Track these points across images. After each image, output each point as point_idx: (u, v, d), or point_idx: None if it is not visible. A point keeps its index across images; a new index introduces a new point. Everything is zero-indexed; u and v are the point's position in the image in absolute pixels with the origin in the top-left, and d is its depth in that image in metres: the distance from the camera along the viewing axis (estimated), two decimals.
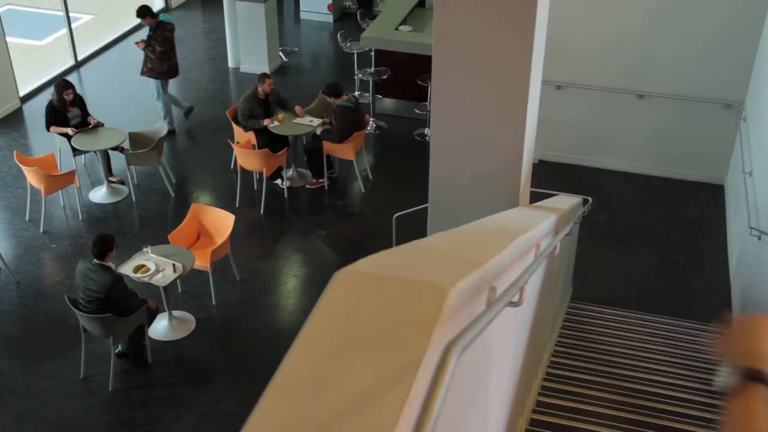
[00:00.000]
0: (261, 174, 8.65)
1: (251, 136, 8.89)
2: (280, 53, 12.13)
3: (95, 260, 6.16)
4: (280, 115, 8.93)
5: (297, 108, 9.09)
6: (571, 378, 5.38)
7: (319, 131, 8.90)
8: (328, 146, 8.81)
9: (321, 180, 9.11)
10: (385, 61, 10.44)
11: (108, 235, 6.36)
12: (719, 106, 9.03)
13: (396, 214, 6.76)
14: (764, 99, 7.80)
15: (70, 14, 11.77)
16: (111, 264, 6.27)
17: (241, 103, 8.96)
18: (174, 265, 6.66)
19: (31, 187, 8.34)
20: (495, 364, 2.71)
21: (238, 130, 9.08)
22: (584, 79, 9.23)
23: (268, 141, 8.79)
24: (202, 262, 7.01)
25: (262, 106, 8.92)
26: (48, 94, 9.25)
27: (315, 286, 7.66)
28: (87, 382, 6.45)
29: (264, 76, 8.89)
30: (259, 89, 8.87)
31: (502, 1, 3.71)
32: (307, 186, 9.17)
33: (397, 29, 10.62)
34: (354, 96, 8.93)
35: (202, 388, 6.43)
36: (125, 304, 6.26)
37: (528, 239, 2.95)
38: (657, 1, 8.79)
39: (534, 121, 4.26)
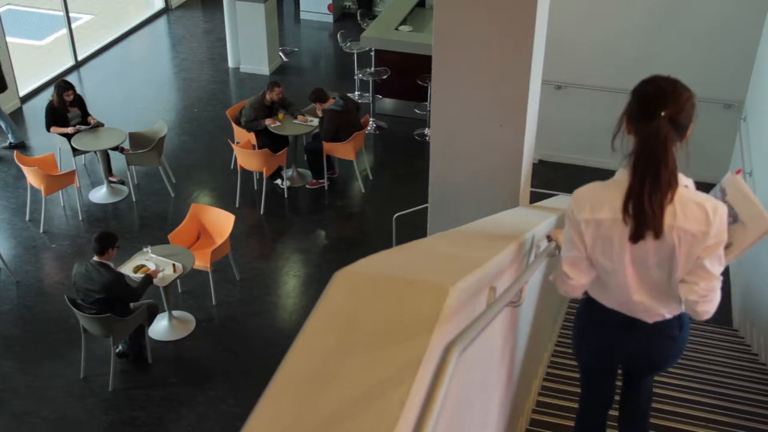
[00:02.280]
0: (261, 174, 8.65)
1: (251, 136, 8.88)
2: (280, 53, 12.13)
3: (95, 258, 6.15)
4: (281, 115, 8.92)
5: (300, 117, 9.04)
6: (571, 378, 5.37)
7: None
8: (328, 146, 8.81)
9: (321, 180, 9.10)
10: (385, 61, 10.44)
11: (111, 232, 6.38)
12: (719, 106, 9.03)
13: (396, 214, 6.77)
14: (764, 99, 7.80)
15: (70, 14, 11.77)
16: (111, 263, 6.27)
17: (247, 109, 8.92)
18: (174, 265, 6.66)
19: (31, 187, 8.34)
20: (495, 364, 2.71)
21: (238, 130, 9.07)
22: (584, 79, 9.23)
23: (268, 141, 8.79)
24: (202, 262, 7.01)
25: (267, 112, 8.91)
26: (48, 94, 9.25)
27: (315, 286, 7.66)
28: (87, 382, 6.45)
29: (274, 84, 8.85)
30: (267, 96, 8.83)
31: (502, 1, 3.71)
32: (307, 186, 9.16)
33: (397, 29, 10.62)
34: (341, 98, 8.83)
35: (202, 388, 6.43)
36: (130, 295, 6.24)
37: (528, 239, 2.95)
38: (657, 1, 8.79)
39: (534, 121, 4.26)
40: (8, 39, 10.38)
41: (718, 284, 2.59)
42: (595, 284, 2.76)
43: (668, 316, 2.75)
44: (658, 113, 2.41)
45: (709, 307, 2.60)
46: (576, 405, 4.79)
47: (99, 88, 11.31)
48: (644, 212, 2.44)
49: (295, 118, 9.00)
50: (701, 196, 2.52)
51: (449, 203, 4.37)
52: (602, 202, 2.56)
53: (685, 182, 2.51)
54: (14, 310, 7.23)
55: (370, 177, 9.38)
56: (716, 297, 2.60)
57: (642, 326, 2.77)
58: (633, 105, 2.51)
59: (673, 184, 2.45)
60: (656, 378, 5.59)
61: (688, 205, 2.47)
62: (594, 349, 3.00)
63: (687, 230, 2.47)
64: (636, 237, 2.49)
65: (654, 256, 2.55)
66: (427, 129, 10.16)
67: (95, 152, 8.76)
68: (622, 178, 2.54)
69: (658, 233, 2.46)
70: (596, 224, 2.57)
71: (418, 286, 1.57)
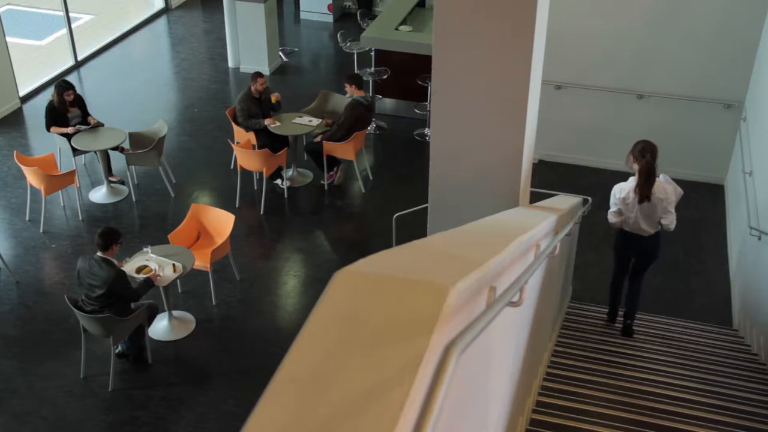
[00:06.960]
0: (261, 174, 8.65)
1: (251, 136, 8.89)
2: (280, 53, 12.13)
3: (99, 253, 6.17)
4: (274, 97, 9.01)
5: (273, 95, 9.09)
6: (570, 378, 5.38)
7: (318, 138, 8.90)
8: (327, 146, 8.81)
9: (331, 173, 9.08)
10: (385, 61, 10.44)
11: (114, 229, 6.38)
12: (719, 106, 9.03)
13: (396, 214, 6.76)
14: (764, 99, 7.80)
15: (70, 14, 11.77)
16: (114, 260, 6.28)
17: (238, 105, 8.95)
18: (174, 265, 6.66)
19: (31, 187, 8.34)
20: (495, 364, 2.71)
21: (238, 130, 9.08)
22: (584, 79, 9.23)
23: (268, 141, 8.79)
24: (202, 262, 7.01)
25: (258, 105, 8.93)
26: (48, 94, 9.24)
27: (315, 286, 7.66)
28: (87, 382, 6.45)
29: (257, 74, 8.87)
30: (253, 88, 8.87)
31: (502, 2, 3.71)
32: (321, 182, 9.16)
33: (397, 29, 10.62)
34: (369, 96, 8.91)
35: (202, 388, 6.43)
36: (129, 294, 6.24)
37: (528, 239, 2.95)
38: (657, 1, 8.79)
39: (534, 121, 4.26)
40: (8, 39, 10.38)
41: (674, 216, 5.95)
42: (623, 222, 6.09)
43: (652, 232, 6.06)
44: (646, 154, 5.80)
45: (672, 225, 5.96)
46: (575, 405, 4.80)
47: (99, 88, 11.31)
48: (644, 191, 5.84)
49: (278, 106, 9.01)
50: (665, 184, 5.94)
51: (449, 203, 4.37)
52: (624, 190, 5.95)
53: (658, 178, 5.90)
54: (14, 310, 7.23)
55: (370, 177, 9.38)
56: (674, 221, 5.96)
57: (642, 237, 6.11)
58: (635, 151, 5.86)
59: (653, 180, 5.85)
60: (656, 378, 5.62)
61: (659, 187, 5.88)
62: (623, 247, 6.38)
63: (659, 197, 5.86)
64: (640, 201, 5.87)
65: (647, 209, 5.92)
66: (427, 129, 10.17)
67: (95, 152, 8.76)
68: (632, 180, 5.94)
69: (649, 199, 5.85)
70: (623, 199, 5.95)
71: (418, 286, 1.57)
